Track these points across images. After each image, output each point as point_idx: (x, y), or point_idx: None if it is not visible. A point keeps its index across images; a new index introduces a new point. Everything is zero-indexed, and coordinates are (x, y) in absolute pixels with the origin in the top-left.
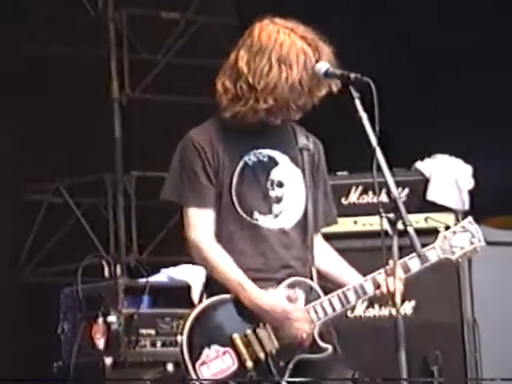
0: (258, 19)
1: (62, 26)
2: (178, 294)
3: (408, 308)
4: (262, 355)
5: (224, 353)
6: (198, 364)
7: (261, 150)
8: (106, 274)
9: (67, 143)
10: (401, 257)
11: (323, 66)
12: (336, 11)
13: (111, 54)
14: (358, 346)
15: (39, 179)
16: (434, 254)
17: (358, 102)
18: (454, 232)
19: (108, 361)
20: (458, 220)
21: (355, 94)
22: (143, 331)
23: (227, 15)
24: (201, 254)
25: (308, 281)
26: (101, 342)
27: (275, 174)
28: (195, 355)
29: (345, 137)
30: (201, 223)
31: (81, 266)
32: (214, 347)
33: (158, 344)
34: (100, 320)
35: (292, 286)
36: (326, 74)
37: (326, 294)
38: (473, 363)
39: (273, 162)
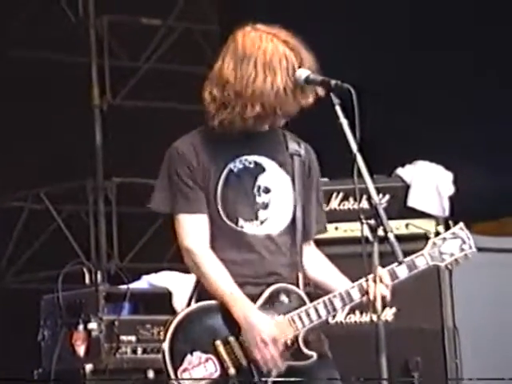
0: (240, 26)
1: (42, 32)
2: (159, 301)
3: (389, 314)
4: (244, 362)
5: (207, 360)
6: (180, 371)
7: (246, 157)
8: (87, 280)
9: (48, 150)
10: (381, 263)
11: (304, 73)
12: (318, 16)
13: (92, 61)
14: (338, 352)
15: (19, 186)
16: (422, 260)
17: (338, 109)
18: (444, 238)
19: (88, 368)
20: (438, 225)
21: (336, 101)
22: (124, 338)
23: (209, 21)
24: (195, 262)
25: (293, 287)
26: (81, 349)
27: (262, 180)
28: (177, 362)
29: (325, 143)
30: (193, 229)
31: (62, 273)
32: (197, 354)
33: (139, 351)
34: (81, 327)
35: (277, 292)
36: (307, 81)
37: (311, 300)
38: (453, 369)
39: (260, 168)
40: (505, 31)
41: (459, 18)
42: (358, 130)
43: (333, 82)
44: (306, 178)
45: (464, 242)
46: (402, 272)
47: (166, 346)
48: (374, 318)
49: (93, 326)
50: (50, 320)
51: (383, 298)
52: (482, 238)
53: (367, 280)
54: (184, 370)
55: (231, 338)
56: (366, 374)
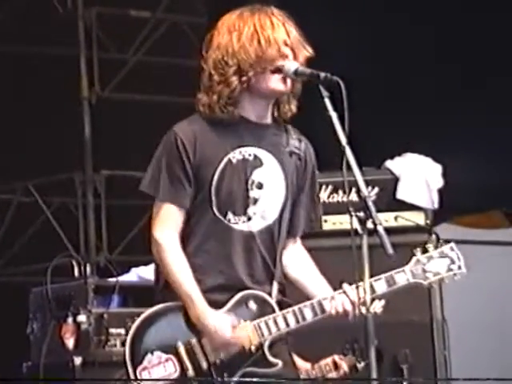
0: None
1: (30, 24)
2: (149, 294)
3: (378, 307)
4: (204, 365)
5: (167, 360)
6: (139, 369)
7: (246, 148)
8: (76, 273)
9: (37, 142)
10: (370, 256)
11: (292, 65)
12: (307, 7)
13: (81, 53)
14: (328, 345)
15: (8, 178)
16: (403, 277)
17: (327, 101)
18: (430, 257)
19: (78, 360)
20: (427, 219)
21: (325, 93)
22: (113, 331)
23: (197, 14)
24: (160, 255)
25: (263, 295)
26: (70, 342)
27: (257, 175)
28: (137, 360)
29: (314, 135)
30: (170, 221)
31: (50, 266)
32: (157, 353)
33: None
34: (70, 320)
35: (246, 298)
36: (296, 73)
37: (282, 309)
38: (442, 361)
39: (257, 162)
40: (496, 19)
41: (449, 9)
42: (347, 122)
43: (322, 74)
44: (301, 176)
45: (453, 262)
46: (381, 287)
47: (127, 344)
48: (363, 310)
49: (82, 318)
50: (38, 313)
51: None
52: (469, 230)
53: (333, 297)
54: (143, 369)
55: (193, 340)
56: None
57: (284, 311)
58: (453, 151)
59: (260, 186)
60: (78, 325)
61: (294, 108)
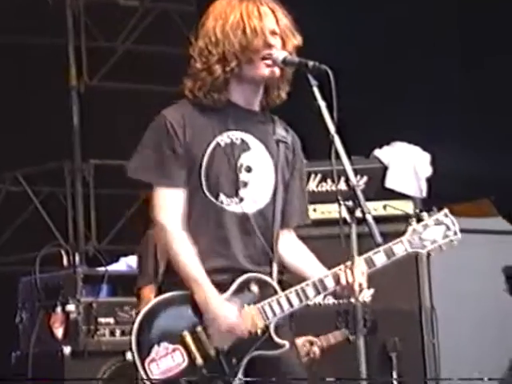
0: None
1: (18, 13)
2: None
3: (367, 295)
4: (212, 352)
5: (174, 350)
6: (147, 361)
7: (234, 132)
8: (65, 262)
9: (25, 131)
10: (360, 244)
11: (281, 54)
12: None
13: (69, 42)
14: (317, 333)
15: None
16: (401, 247)
17: (315, 90)
18: (426, 225)
19: (67, 350)
20: (416, 207)
21: (313, 82)
22: (102, 320)
23: (186, 2)
24: (166, 239)
25: (264, 277)
26: (59, 332)
27: (245, 158)
28: (144, 352)
29: (303, 124)
30: (170, 204)
31: (39, 255)
32: (164, 344)
33: (117, 333)
34: (59, 309)
35: (247, 282)
36: (284, 62)
37: (284, 288)
38: (431, 349)
39: (245, 146)
40: (487, 15)
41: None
42: (336, 111)
43: (310, 63)
44: (290, 167)
45: (449, 229)
46: (380, 259)
47: (133, 337)
48: (352, 300)
49: (71, 308)
50: (27, 302)
51: (360, 284)
52: (458, 219)
53: (342, 268)
54: (151, 361)
55: (198, 328)
56: (344, 355)
57: (286, 292)
58: (441, 140)
59: (249, 170)
60: (66, 314)
61: (283, 94)
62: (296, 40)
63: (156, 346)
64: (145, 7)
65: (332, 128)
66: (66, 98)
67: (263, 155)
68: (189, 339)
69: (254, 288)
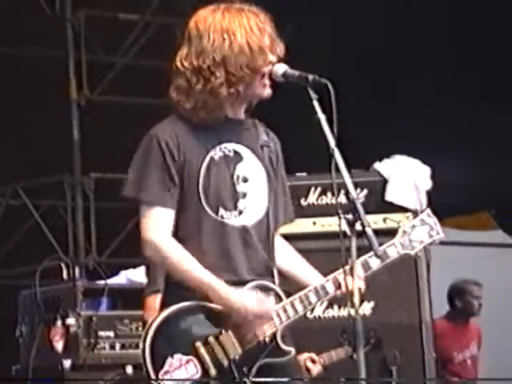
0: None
1: (19, 26)
2: (138, 296)
3: (367, 308)
4: (225, 362)
5: (187, 361)
6: (161, 373)
7: (226, 145)
8: (65, 276)
9: (25, 145)
10: (359, 257)
11: (281, 68)
12: (299, 8)
13: (69, 56)
14: (317, 347)
15: None
16: (393, 250)
17: (316, 104)
18: (414, 226)
19: (67, 363)
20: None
21: (313, 96)
22: (102, 333)
23: (186, 16)
24: (161, 255)
25: (270, 284)
26: (59, 345)
27: (240, 169)
28: (158, 364)
29: (303, 138)
30: (161, 223)
31: (39, 269)
32: (177, 356)
33: (117, 346)
34: (58, 322)
35: (254, 290)
36: (284, 76)
37: (287, 296)
38: (431, 363)
39: (238, 157)
40: (486, 25)
41: (438, 12)
42: (336, 125)
43: (310, 76)
44: (275, 168)
45: (432, 229)
46: (375, 263)
47: (146, 349)
48: (352, 312)
49: (71, 321)
50: (27, 316)
51: (359, 289)
52: (458, 231)
53: (341, 273)
54: (165, 373)
55: (211, 339)
56: (345, 368)
57: (291, 298)
58: (441, 153)
59: (245, 180)
60: (66, 328)
61: (261, 91)
62: (280, 51)
63: (170, 358)
64: (145, 21)
65: (332, 141)
66: (67, 111)
67: (255, 163)
68: (202, 350)
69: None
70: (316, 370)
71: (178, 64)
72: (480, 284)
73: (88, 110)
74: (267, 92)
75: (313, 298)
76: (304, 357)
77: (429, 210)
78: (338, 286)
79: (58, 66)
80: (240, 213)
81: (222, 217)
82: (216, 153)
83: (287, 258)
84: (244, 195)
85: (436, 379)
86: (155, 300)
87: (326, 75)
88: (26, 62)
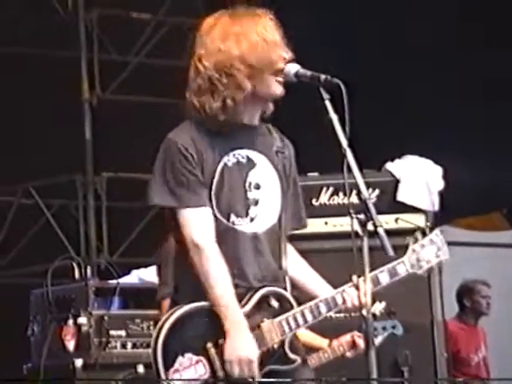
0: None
1: (31, 26)
2: (149, 296)
3: (379, 309)
4: None
5: (197, 361)
6: (171, 371)
7: (239, 151)
8: (77, 275)
9: (38, 144)
10: (371, 258)
11: (293, 68)
12: (306, 12)
13: (81, 55)
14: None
15: (9, 180)
16: (403, 268)
17: (328, 104)
18: (423, 245)
19: (78, 362)
20: (428, 221)
21: (325, 96)
22: (113, 333)
23: (198, 15)
24: (201, 258)
25: (283, 291)
26: (71, 344)
27: (253, 176)
28: (169, 362)
29: (316, 138)
30: (200, 224)
31: (51, 268)
32: (188, 355)
33: (129, 345)
34: (70, 321)
35: (266, 296)
36: (297, 75)
37: (298, 304)
38: (443, 363)
39: (251, 163)
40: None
41: (447, 15)
42: (348, 125)
43: (322, 76)
44: (288, 174)
45: (439, 249)
46: (384, 278)
47: (159, 346)
48: (364, 312)
49: (82, 320)
50: (39, 315)
51: (365, 303)
52: (470, 232)
53: (344, 290)
54: (175, 371)
55: (221, 341)
56: (356, 368)
57: (301, 307)
58: (453, 153)
59: (258, 187)
60: (78, 327)
61: (271, 107)
62: (289, 52)
63: (181, 357)
64: (157, 20)
65: (344, 141)
66: (79, 110)
67: (269, 170)
68: (213, 352)
69: (274, 303)
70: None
71: (198, 64)
72: (488, 284)
73: (100, 110)
74: (281, 90)
75: (323, 309)
76: (348, 336)
77: (438, 230)
78: (343, 301)
79: (71, 66)
80: (251, 220)
81: (233, 223)
82: (229, 159)
83: (297, 268)
84: (256, 202)
85: (448, 379)
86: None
87: (338, 76)
88: (38, 61)
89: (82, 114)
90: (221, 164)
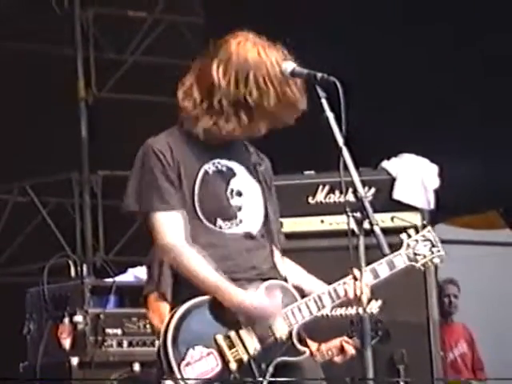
0: (227, 21)
1: (27, 24)
2: None
3: (375, 307)
4: (245, 357)
5: (208, 354)
6: (182, 365)
7: (219, 160)
8: (73, 273)
9: (33, 142)
10: (367, 256)
11: (289, 66)
12: (303, 14)
13: (78, 53)
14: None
15: (4, 178)
16: (400, 260)
17: (324, 102)
18: (416, 241)
19: (74, 361)
20: (424, 219)
21: (321, 94)
22: (109, 331)
23: (194, 14)
24: (175, 258)
25: (284, 283)
26: (67, 342)
27: (234, 184)
28: (180, 356)
29: (311, 136)
30: (170, 227)
31: (47, 266)
32: (199, 348)
33: (125, 344)
34: (66, 320)
35: (270, 288)
36: (293, 73)
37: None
38: (439, 362)
39: (231, 172)
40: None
41: (443, 12)
42: (344, 123)
43: (318, 74)
44: (269, 187)
45: (433, 245)
46: (383, 271)
47: (168, 340)
48: (360, 311)
49: (78, 319)
50: (35, 313)
51: (365, 295)
52: (467, 231)
53: (345, 282)
54: (187, 365)
55: (231, 333)
56: (352, 367)
57: (305, 299)
58: (449, 152)
59: (240, 194)
60: (74, 325)
61: (263, 129)
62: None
63: (191, 350)
64: (153, 19)
65: (340, 140)
66: (75, 109)
67: (249, 180)
68: (223, 343)
69: (278, 294)
70: (352, 351)
71: (206, 74)
72: (455, 282)
73: (96, 108)
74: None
75: (326, 301)
76: (338, 340)
77: (429, 227)
78: (346, 293)
79: (67, 64)
80: (241, 221)
81: (220, 227)
82: (210, 167)
83: (290, 270)
84: (239, 209)
85: (444, 379)
86: (156, 298)
87: (334, 74)
88: (34, 59)
89: (78, 113)
90: (201, 171)
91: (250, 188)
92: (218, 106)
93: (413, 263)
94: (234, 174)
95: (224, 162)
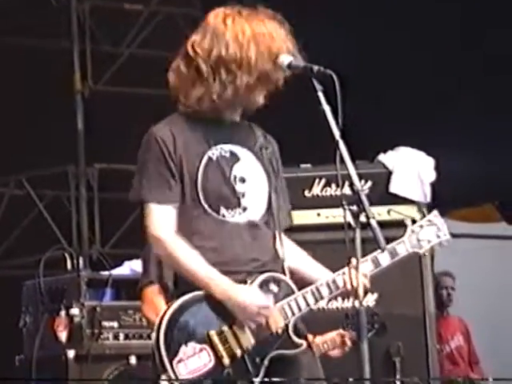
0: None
1: (23, 17)
2: None
3: (371, 300)
4: (238, 351)
5: (201, 350)
6: (175, 361)
7: (222, 146)
8: (69, 266)
9: (30, 135)
10: (364, 249)
11: (286, 59)
12: (303, 7)
13: (74, 46)
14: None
15: (1, 171)
16: (403, 247)
17: (320, 95)
18: (421, 226)
19: (70, 354)
20: (420, 212)
21: (318, 87)
22: (106, 324)
23: (191, 6)
24: (166, 251)
25: (281, 276)
26: (63, 335)
27: (237, 170)
28: (172, 352)
29: (308, 129)
30: (163, 219)
31: (43, 259)
32: (191, 344)
33: (121, 337)
34: (62, 313)
35: (266, 281)
36: (289, 67)
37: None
38: (435, 355)
39: (235, 158)
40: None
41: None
42: (341, 116)
43: (315, 67)
44: (275, 171)
45: (439, 230)
46: (385, 259)
47: (161, 337)
48: (356, 304)
49: (75, 311)
50: (31, 306)
51: (364, 286)
52: (463, 224)
53: (344, 272)
54: (179, 361)
55: (225, 328)
56: (348, 360)
57: (303, 291)
58: (445, 145)
59: (243, 180)
60: (70, 318)
61: (261, 100)
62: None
63: (184, 346)
64: (150, 11)
65: (337, 133)
66: (71, 102)
67: (253, 164)
68: (216, 338)
69: (274, 287)
70: (349, 343)
71: (189, 50)
72: (452, 274)
73: (92, 101)
74: (262, 101)
75: (325, 292)
76: (334, 333)
77: (436, 211)
78: (345, 283)
79: (63, 57)
80: (244, 210)
81: (223, 216)
82: (213, 152)
83: (294, 256)
84: (243, 195)
85: (441, 378)
86: (151, 291)
87: (330, 67)
88: (30, 52)
89: (74, 106)
90: (205, 157)
91: (254, 173)
92: (200, 70)
93: (416, 250)
94: (237, 159)
95: (228, 146)
